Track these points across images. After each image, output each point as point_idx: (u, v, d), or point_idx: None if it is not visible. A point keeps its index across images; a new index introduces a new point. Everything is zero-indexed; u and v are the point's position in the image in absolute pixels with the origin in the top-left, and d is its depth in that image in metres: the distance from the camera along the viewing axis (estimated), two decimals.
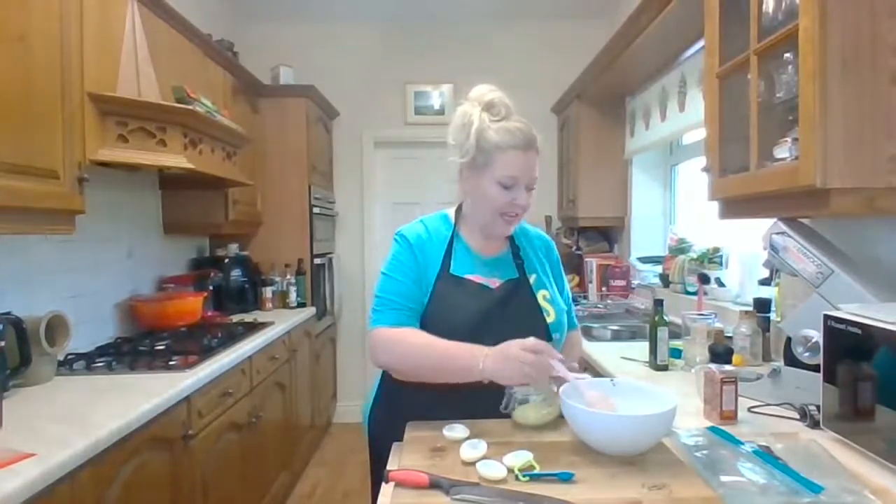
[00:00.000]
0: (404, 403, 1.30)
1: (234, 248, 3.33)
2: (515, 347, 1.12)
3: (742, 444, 1.08)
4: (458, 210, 1.41)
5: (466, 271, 1.33)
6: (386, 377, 1.38)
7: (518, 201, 1.28)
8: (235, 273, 3.24)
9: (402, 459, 1.07)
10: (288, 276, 3.49)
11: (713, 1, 1.63)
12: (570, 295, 1.52)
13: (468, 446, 1.06)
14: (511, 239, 1.41)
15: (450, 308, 1.26)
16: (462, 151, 1.30)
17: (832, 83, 1.16)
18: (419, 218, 1.42)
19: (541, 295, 1.36)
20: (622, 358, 2.02)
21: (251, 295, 3.31)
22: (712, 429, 1.19)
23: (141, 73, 2.10)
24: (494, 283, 1.33)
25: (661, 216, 3.53)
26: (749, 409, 1.41)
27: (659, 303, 1.92)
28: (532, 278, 1.37)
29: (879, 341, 1.06)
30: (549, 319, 1.33)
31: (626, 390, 1.19)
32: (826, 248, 1.43)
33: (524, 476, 0.98)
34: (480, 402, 1.22)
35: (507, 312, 1.29)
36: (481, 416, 1.22)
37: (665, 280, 2.96)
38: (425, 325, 1.28)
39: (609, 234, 3.94)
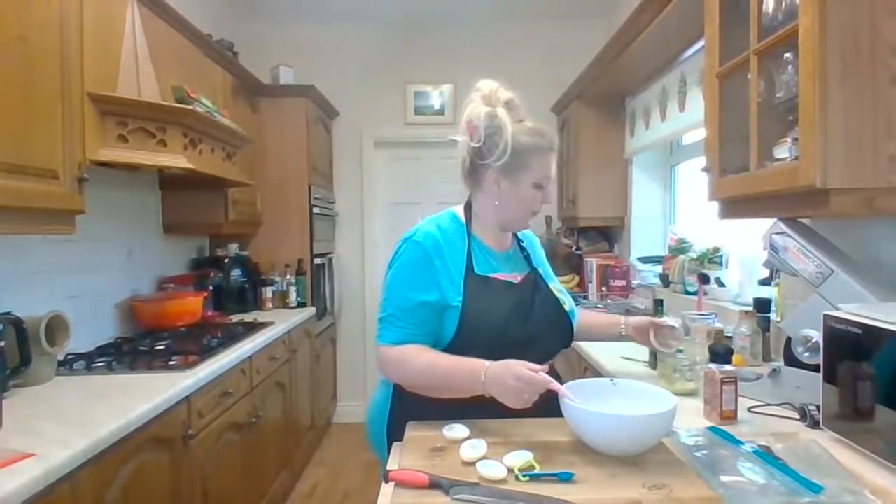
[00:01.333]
0: (426, 408, 1.28)
1: (234, 248, 3.32)
2: (512, 379, 1.12)
3: (742, 444, 1.08)
4: (467, 208, 1.40)
5: (489, 270, 1.34)
6: (399, 392, 1.37)
7: (547, 199, 1.36)
8: (235, 273, 3.24)
9: (402, 459, 1.07)
10: (288, 276, 3.49)
11: (713, 1, 1.62)
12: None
13: (468, 446, 1.06)
14: (514, 235, 1.46)
15: (485, 308, 1.27)
16: (495, 155, 1.30)
17: (832, 83, 1.16)
18: (427, 218, 1.39)
19: (552, 286, 1.42)
20: (622, 358, 2.02)
21: (251, 295, 3.31)
22: (712, 429, 1.19)
23: (141, 73, 2.10)
24: (516, 278, 1.37)
25: (661, 216, 3.53)
26: (749, 409, 1.40)
27: (659, 303, 1.92)
28: (540, 270, 1.44)
29: (879, 341, 1.06)
30: (567, 308, 1.40)
31: (627, 390, 1.20)
32: (826, 248, 1.43)
33: (524, 476, 0.98)
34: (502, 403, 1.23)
35: (535, 305, 1.33)
36: (505, 417, 1.22)
37: (665, 280, 2.96)
38: (463, 326, 1.26)
39: (609, 234, 3.94)
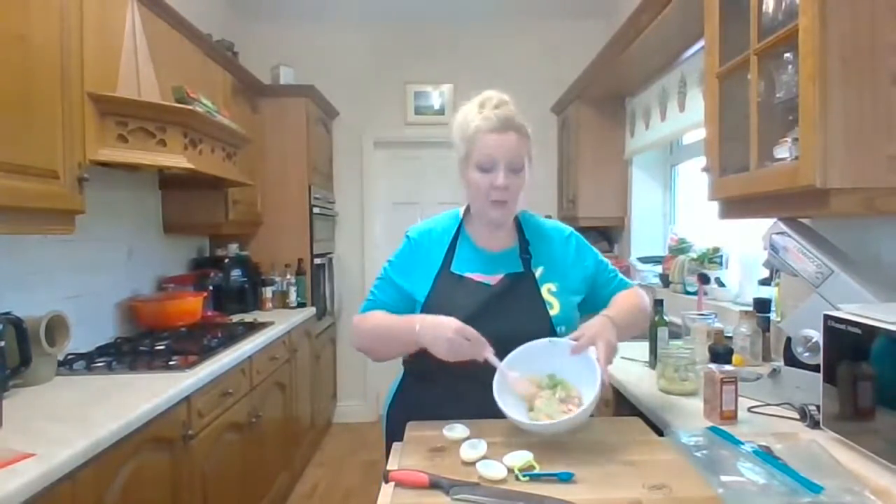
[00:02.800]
0: (421, 402, 1.32)
1: (234, 248, 3.32)
2: (446, 329, 1.16)
3: (742, 444, 1.08)
4: (468, 208, 1.41)
5: (468, 269, 1.34)
6: (405, 376, 1.43)
7: (497, 182, 1.26)
8: (235, 273, 3.24)
9: (402, 459, 1.07)
10: (288, 276, 3.49)
11: (713, 1, 1.62)
12: (608, 262, 1.49)
13: (468, 446, 1.06)
14: (521, 233, 1.40)
15: (448, 305, 1.27)
16: (456, 148, 1.34)
17: (832, 83, 1.16)
18: (433, 217, 1.45)
19: (545, 288, 1.34)
20: (622, 358, 2.02)
21: (251, 295, 3.31)
22: (712, 429, 1.19)
23: (141, 73, 2.10)
24: (494, 279, 1.33)
25: (661, 216, 3.53)
26: (749, 409, 1.41)
27: (659, 303, 1.92)
28: (538, 271, 1.35)
29: (879, 341, 1.06)
30: (553, 312, 1.31)
31: (565, 350, 1.20)
32: (826, 248, 1.43)
33: (524, 476, 0.98)
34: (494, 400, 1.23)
35: (506, 306, 1.29)
36: (495, 416, 1.22)
37: (665, 280, 2.96)
38: None
39: (609, 234, 3.94)
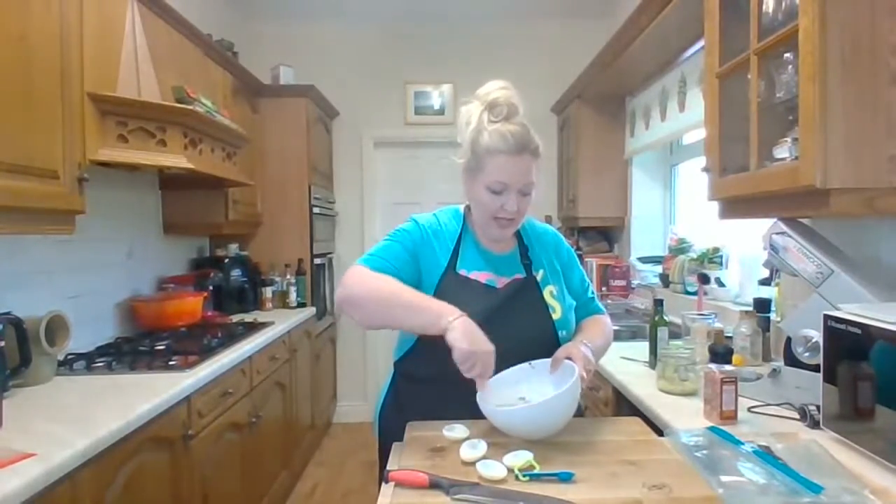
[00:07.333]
0: (415, 402, 1.30)
1: (234, 248, 3.33)
2: (487, 349, 1.11)
3: (742, 444, 1.08)
4: (468, 207, 1.40)
5: (473, 268, 1.32)
6: (397, 376, 1.40)
7: (507, 206, 1.25)
8: (235, 273, 3.24)
9: (402, 459, 1.07)
10: (288, 276, 3.49)
11: (713, 1, 1.63)
12: (589, 283, 1.50)
13: (468, 446, 1.06)
14: (520, 238, 1.40)
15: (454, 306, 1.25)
16: (461, 153, 1.31)
17: (832, 83, 1.16)
18: (433, 212, 1.41)
19: (547, 291, 1.34)
20: (622, 358, 2.02)
21: (251, 295, 3.31)
22: (712, 429, 1.19)
23: (141, 73, 2.10)
24: (501, 281, 1.32)
25: (661, 216, 3.53)
26: (749, 409, 1.41)
27: (659, 303, 1.92)
28: (539, 275, 1.36)
29: (879, 341, 1.06)
30: (556, 316, 1.32)
31: (544, 370, 1.22)
32: (826, 248, 1.43)
33: (524, 476, 0.98)
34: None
35: (513, 311, 1.29)
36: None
37: (665, 280, 2.96)
38: None
39: (609, 234, 3.94)
